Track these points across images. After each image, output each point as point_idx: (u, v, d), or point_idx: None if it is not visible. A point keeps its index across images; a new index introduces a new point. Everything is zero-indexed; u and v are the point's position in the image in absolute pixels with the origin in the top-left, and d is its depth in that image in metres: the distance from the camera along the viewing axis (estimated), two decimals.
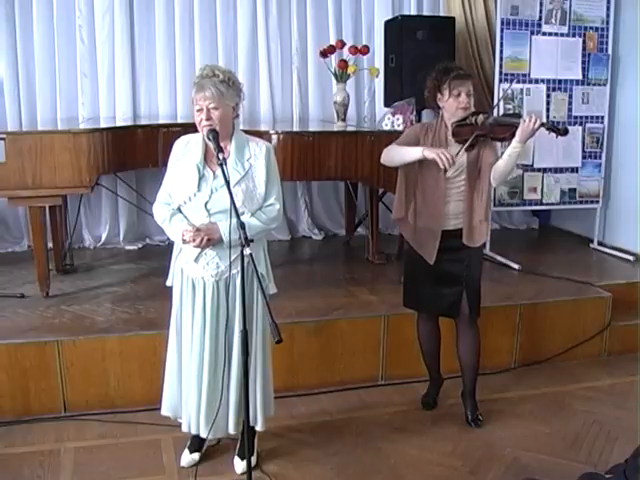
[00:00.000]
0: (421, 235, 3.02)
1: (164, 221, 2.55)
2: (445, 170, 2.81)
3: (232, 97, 2.48)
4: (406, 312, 3.32)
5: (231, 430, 2.67)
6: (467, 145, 2.87)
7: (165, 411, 2.77)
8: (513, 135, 2.86)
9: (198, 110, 2.45)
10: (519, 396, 3.47)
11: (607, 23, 4.90)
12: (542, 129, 2.85)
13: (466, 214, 2.96)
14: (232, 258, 2.48)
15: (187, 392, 2.66)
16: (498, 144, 3.02)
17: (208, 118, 2.43)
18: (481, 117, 2.89)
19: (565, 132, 2.85)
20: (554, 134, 2.85)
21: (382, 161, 3.06)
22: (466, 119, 2.91)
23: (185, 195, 2.50)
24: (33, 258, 3.76)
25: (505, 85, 4.69)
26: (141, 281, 4.16)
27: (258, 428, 2.74)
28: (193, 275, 2.57)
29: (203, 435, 2.68)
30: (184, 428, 2.72)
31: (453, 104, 2.89)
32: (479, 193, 2.95)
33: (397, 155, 2.98)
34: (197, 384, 2.61)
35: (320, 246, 5.33)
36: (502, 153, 2.91)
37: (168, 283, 2.69)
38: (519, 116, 3.02)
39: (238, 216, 2.27)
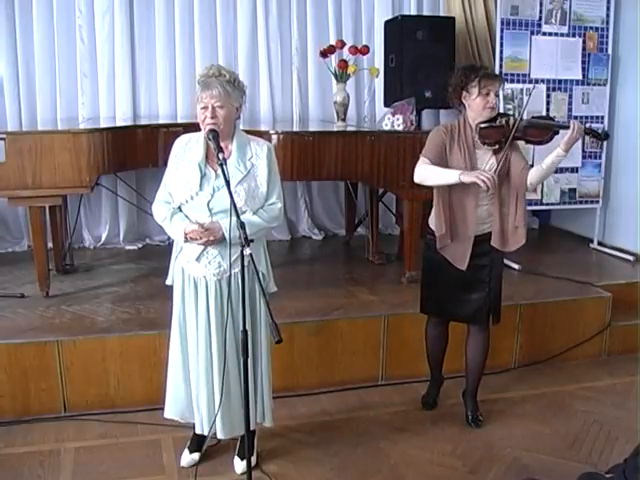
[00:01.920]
0: (454, 242, 2.95)
1: (164, 220, 2.55)
2: (488, 189, 2.73)
3: (237, 98, 2.49)
4: (406, 312, 3.32)
5: (251, 426, 2.63)
6: (501, 149, 2.81)
7: (170, 414, 2.76)
8: (551, 139, 2.83)
9: (203, 107, 2.45)
10: (519, 396, 3.47)
11: (607, 23, 4.90)
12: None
13: (496, 217, 2.91)
14: (233, 257, 2.48)
15: (197, 394, 2.65)
16: (522, 146, 2.96)
17: (213, 116, 2.43)
18: (512, 120, 2.84)
19: (606, 136, 2.84)
20: (595, 139, 2.82)
21: (416, 181, 2.94)
22: (494, 120, 2.85)
23: (187, 194, 2.50)
24: (33, 258, 3.76)
25: (505, 85, 4.68)
26: (141, 281, 4.16)
27: (267, 424, 2.75)
28: (195, 274, 2.57)
29: (221, 436, 2.68)
30: (197, 430, 2.72)
31: (481, 103, 2.82)
32: (510, 197, 2.89)
33: (432, 177, 2.87)
34: (207, 385, 2.61)
35: (320, 246, 5.33)
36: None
37: (168, 282, 2.69)
38: (552, 119, 2.96)
39: (238, 216, 2.27)
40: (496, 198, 2.89)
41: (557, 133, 2.88)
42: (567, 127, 2.78)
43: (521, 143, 2.95)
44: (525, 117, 2.92)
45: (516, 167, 2.87)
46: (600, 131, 2.85)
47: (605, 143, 4.97)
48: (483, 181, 2.70)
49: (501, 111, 3.03)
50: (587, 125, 2.82)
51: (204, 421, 2.66)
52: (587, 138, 4.90)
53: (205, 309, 2.57)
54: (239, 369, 2.59)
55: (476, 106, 2.85)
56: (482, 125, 2.86)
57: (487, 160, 2.89)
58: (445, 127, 2.96)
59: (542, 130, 2.87)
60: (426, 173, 2.88)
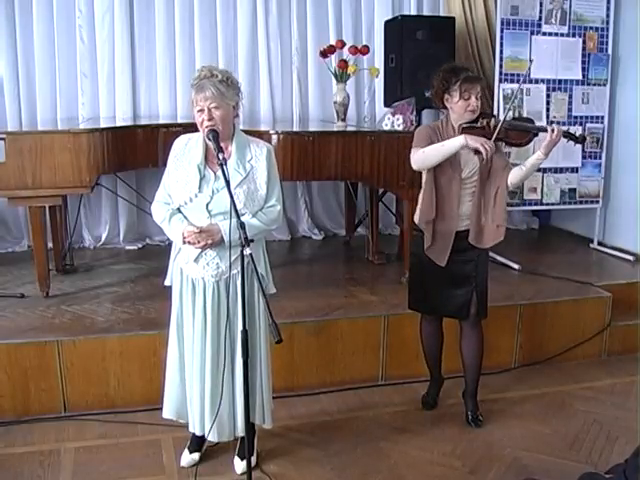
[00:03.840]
0: (435, 237, 2.98)
1: (163, 221, 2.55)
2: (484, 160, 2.79)
3: (232, 96, 2.48)
4: (406, 312, 3.32)
5: (240, 432, 2.66)
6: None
7: (167, 414, 2.76)
8: (530, 141, 2.87)
9: (199, 111, 2.44)
10: (519, 396, 3.47)
11: (607, 23, 4.90)
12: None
13: (474, 215, 2.95)
14: (232, 258, 2.48)
15: (191, 394, 2.66)
16: (503, 146, 3.01)
17: (210, 118, 2.42)
18: (494, 121, 2.87)
19: (583, 140, 2.92)
20: (572, 142, 2.88)
21: (415, 167, 2.95)
22: (475, 121, 2.88)
23: (186, 196, 2.50)
24: (33, 258, 3.75)
25: (505, 85, 4.71)
26: (141, 281, 4.16)
27: (266, 426, 2.75)
28: (193, 275, 2.57)
29: (210, 438, 2.68)
30: (190, 428, 2.72)
31: (462, 106, 2.86)
32: (490, 196, 2.93)
33: (433, 153, 2.85)
34: (200, 386, 2.61)
35: (320, 246, 5.33)
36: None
37: (167, 283, 2.69)
38: (532, 121, 3.00)
39: (238, 216, 2.27)
40: (477, 196, 2.94)
41: (536, 135, 2.92)
42: (545, 130, 2.84)
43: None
44: (507, 119, 2.96)
45: (497, 167, 2.92)
46: (578, 134, 2.92)
47: (605, 143, 4.98)
48: (485, 149, 2.75)
49: (491, 111, 3.07)
50: (565, 128, 2.89)
51: (196, 422, 2.66)
52: (587, 139, 4.93)
53: (202, 310, 2.57)
54: (232, 372, 2.60)
55: (458, 109, 2.89)
56: (464, 126, 2.89)
57: (469, 160, 2.92)
58: (429, 127, 3.02)
59: (521, 133, 2.92)
60: (426, 153, 2.87)
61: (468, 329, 3.09)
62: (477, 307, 3.04)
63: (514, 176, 2.89)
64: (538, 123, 2.89)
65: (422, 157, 2.90)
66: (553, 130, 2.77)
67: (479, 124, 2.88)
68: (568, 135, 2.87)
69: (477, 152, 2.86)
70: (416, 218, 3.06)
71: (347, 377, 3.52)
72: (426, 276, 3.08)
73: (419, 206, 3.04)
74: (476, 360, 3.11)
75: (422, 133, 2.98)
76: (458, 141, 2.82)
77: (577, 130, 2.93)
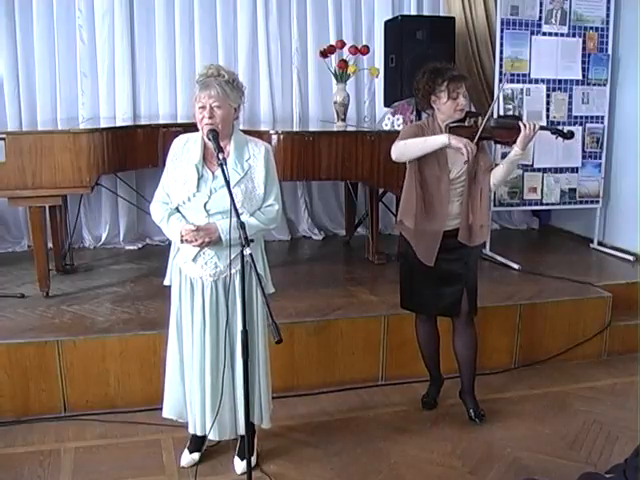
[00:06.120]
0: (421, 237, 3.00)
1: (162, 220, 2.55)
2: (467, 161, 2.78)
3: (235, 99, 2.48)
4: (406, 312, 3.32)
5: (241, 431, 2.65)
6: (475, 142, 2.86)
7: (167, 413, 2.76)
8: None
9: (201, 107, 2.44)
10: (519, 396, 3.47)
11: (607, 23, 4.90)
12: (548, 132, 2.88)
13: (464, 214, 2.96)
14: (231, 258, 2.48)
15: (191, 393, 2.66)
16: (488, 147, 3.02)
17: (211, 116, 2.42)
18: (481, 119, 2.87)
19: (571, 135, 2.91)
20: (560, 138, 2.88)
21: (394, 157, 2.92)
22: (463, 120, 2.89)
23: (184, 195, 2.50)
24: (33, 258, 3.76)
25: (505, 85, 4.71)
26: (141, 281, 4.16)
27: (264, 425, 2.75)
28: (191, 275, 2.57)
29: (211, 437, 2.68)
30: (190, 430, 2.72)
31: (451, 106, 2.85)
32: (475, 195, 2.95)
33: (413, 147, 2.84)
34: (200, 385, 2.61)
35: (320, 246, 5.33)
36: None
37: (166, 282, 2.69)
38: (519, 118, 3.01)
39: (238, 216, 2.27)
40: (465, 195, 2.95)
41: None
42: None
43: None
44: (494, 117, 2.97)
45: (482, 167, 2.93)
46: (566, 131, 2.93)
47: (605, 143, 4.99)
48: (467, 151, 2.74)
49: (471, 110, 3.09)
50: (553, 125, 2.91)
51: (197, 421, 2.66)
52: (587, 139, 4.95)
53: (201, 310, 2.57)
54: (233, 371, 2.60)
55: (447, 109, 2.87)
56: (451, 125, 2.89)
57: (457, 160, 2.92)
58: (417, 126, 3.01)
59: (509, 130, 2.90)
60: (408, 145, 2.86)
61: (461, 328, 3.10)
62: (468, 305, 3.04)
63: (495, 175, 2.91)
64: (538, 123, 2.88)
65: (402, 148, 2.88)
66: (524, 125, 2.78)
67: (467, 123, 2.88)
68: (557, 132, 2.89)
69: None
70: (400, 216, 3.07)
71: (347, 377, 3.52)
72: (415, 275, 3.09)
73: (405, 206, 3.04)
74: (470, 357, 3.12)
75: (409, 131, 2.98)
76: (441, 139, 2.80)
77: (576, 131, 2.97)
